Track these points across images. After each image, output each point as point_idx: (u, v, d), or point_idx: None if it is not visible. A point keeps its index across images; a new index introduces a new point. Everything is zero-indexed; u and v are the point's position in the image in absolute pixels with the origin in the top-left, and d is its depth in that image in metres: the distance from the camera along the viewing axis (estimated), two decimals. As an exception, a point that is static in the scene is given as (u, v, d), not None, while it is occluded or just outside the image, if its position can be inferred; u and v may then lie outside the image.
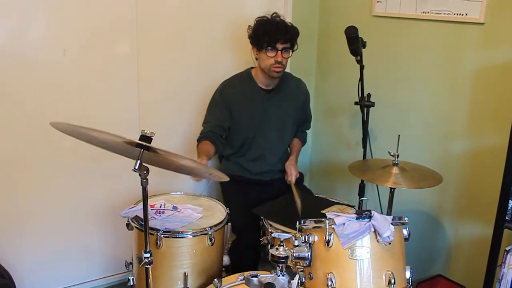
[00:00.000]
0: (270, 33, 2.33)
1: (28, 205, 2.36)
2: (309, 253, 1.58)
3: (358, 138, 2.68)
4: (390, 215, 1.76)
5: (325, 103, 3.07)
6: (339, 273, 1.53)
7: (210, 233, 2.00)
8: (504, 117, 2.07)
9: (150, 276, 1.71)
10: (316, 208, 2.23)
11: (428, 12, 2.34)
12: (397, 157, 2.11)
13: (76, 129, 1.59)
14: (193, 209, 2.17)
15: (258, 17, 2.41)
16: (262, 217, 2.16)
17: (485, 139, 2.21)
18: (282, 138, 2.60)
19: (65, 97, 2.33)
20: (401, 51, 2.53)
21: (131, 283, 2.04)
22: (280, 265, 1.54)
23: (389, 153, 2.11)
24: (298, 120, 2.65)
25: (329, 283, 1.51)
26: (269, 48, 2.34)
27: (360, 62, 2.34)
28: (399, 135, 2.11)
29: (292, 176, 2.46)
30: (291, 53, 2.40)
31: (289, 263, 1.56)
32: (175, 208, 2.13)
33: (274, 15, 2.40)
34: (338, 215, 1.57)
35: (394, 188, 2.14)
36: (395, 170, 2.08)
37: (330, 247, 1.54)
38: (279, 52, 2.33)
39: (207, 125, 2.49)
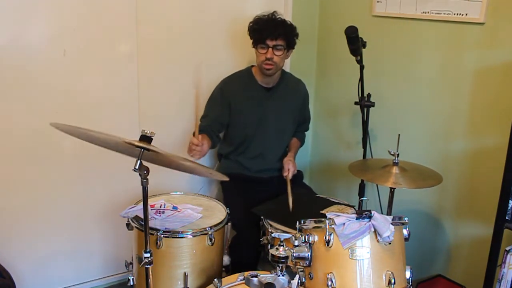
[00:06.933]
0: (259, 30, 2.36)
1: (28, 205, 2.36)
2: (309, 253, 1.58)
3: (358, 138, 2.68)
4: (390, 215, 1.76)
5: (325, 103, 3.07)
6: (339, 273, 1.53)
7: (210, 233, 2.00)
8: (504, 117, 2.07)
9: (150, 276, 1.71)
10: (316, 208, 2.23)
11: (428, 12, 2.34)
12: (397, 156, 2.11)
13: (76, 131, 1.60)
14: (193, 209, 2.17)
15: (257, 15, 2.43)
16: (262, 217, 2.17)
17: (485, 139, 2.21)
18: (281, 136, 2.61)
19: (65, 97, 2.33)
20: (401, 51, 2.53)
21: (131, 283, 2.05)
22: (280, 265, 1.54)
23: (389, 152, 2.11)
24: (297, 120, 2.66)
25: (329, 283, 1.51)
26: (260, 45, 2.37)
27: (360, 62, 2.34)
28: (399, 135, 2.11)
29: (289, 172, 2.46)
30: (285, 51, 2.40)
31: (289, 263, 1.56)
32: (175, 208, 2.13)
33: (273, 13, 2.40)
34: (338, 215, 1.57)
35: (394, 188, 2.14)
36: (395, 169, 2.08)
37: (330, 247, 1.54)
38: (270, 49, 2.35)
39: (205, 120, 2.50)
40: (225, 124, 2.52)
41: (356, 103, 2.42)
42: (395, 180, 2.02)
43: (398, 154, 2.10)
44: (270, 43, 2.34)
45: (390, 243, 1.54)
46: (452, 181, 2.34)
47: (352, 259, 1.52)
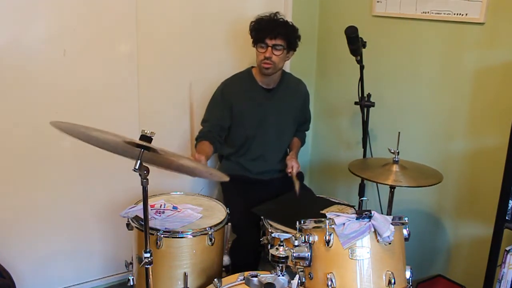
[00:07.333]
0: (260, 29, 2.38)
1: (28, 205, 2.36)
2: (309, 253, 1.58)
3: (358, 138, 2.68)
4: (390, 215, 1.76)
5: (325, 103, 3.07)
6: (339, 273, 1.53)
7: (210, 233, 2.00)
8: (504, 117, 2.07)
9: (150, 276, 1.71)
10: (316, 208, 2.23)
11: (428, 12, 2.34)
12: (397, 154, 2.10)
13: (76, 129, 1.60)
14: (193, 209, 2.17)
15: (259, 15, 2.43)
16: (262, 217, 2.17)
17: (485, 139, 2.21)
18: (282, 137, 2.61)
19: (65, 97, 2.33)
20: (401, 51, 2.53)
21: (131, 283, 2.05)
22: (280, 265, 1.54)
23: (389, 150, 2.11)
24: (297, 120, 2.66)
25: (329, 283, 1.51)
26: (259, 43, 2.38)
27: (360, 62, 2.34)
28: (399, 132, 2.11)
29: (293, 168, 2.46)
30: (285, 52, 2.40)
31: (289, 263, 1.56)
32: (175, 208, 2.13)
33: (275, 13, 2.41)
34: (338, 215, 1.57)
35: (394, 188, 2.14)
36: (395, 168, 2.07)
37: (330, 247, 1.54)
38: (269, 48, 2.36)
39: (206, 124, 2.49)
40: (226, 128, 2.50)
41: (356, 103, 2.42)
42: (396, 178, 2.01)
43: (398, 152, 2.10)
44: (269, 42, 2.35)
45: (390, 243, 1.54)
46: (452, 181, 2.34)
47: (352, 259, 1.52)
